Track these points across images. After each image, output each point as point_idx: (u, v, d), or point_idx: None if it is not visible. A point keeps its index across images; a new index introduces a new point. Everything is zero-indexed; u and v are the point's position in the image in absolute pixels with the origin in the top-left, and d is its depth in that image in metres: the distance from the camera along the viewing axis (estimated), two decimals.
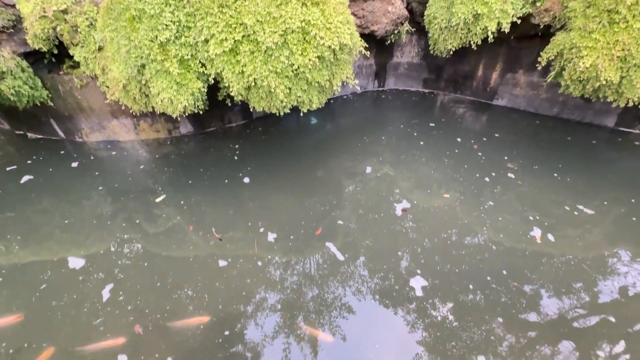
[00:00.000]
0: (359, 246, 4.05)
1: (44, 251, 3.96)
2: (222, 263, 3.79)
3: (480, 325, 3.22)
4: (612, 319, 3.26)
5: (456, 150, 5.83)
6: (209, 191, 4.92)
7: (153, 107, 4.89)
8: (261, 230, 4.24)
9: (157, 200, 4.74)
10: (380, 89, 8.31)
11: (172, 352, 3.01)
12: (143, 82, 4.52)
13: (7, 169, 5.34)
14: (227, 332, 3.17)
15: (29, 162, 5.47)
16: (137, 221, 4.39)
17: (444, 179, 5.15)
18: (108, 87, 5.15)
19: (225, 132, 6.37)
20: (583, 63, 5.01)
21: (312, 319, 3.29)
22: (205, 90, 4.52)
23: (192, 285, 3.58)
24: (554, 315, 3.32)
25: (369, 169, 5.41)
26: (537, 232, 4.19)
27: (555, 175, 5.17)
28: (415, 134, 6.34)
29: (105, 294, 3.44)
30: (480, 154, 5.72)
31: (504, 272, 3.72)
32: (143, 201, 4.72)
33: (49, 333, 3.13)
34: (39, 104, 5.28)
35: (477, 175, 5.21)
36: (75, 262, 3.81)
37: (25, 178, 5.12)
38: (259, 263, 3.81)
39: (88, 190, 4.90)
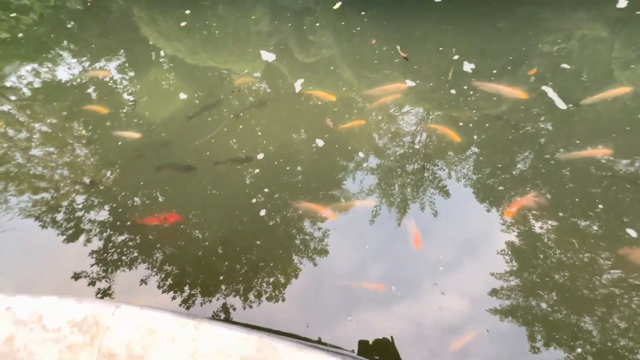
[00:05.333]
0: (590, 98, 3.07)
1: (218, 57, 4.02)
2: (410, 83, 3.38)
3: None
4: None
5: None
6: (391, 4, 4.16)
7: None
8: (455, 57, 3.51)
9: (334, 7, 4.25)
10: None
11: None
12: None
13: None
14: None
15: None
16: (317, 24, 4.09)
17: None
18: None
19: None
20: None
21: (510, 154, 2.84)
22: None
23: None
24: None
25: (623, 3, 3.70)
26: None
27: None
28: None
29: (297, 86, 3.51)
30: None
31: None
32: (319, 7, 4.30)
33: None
34: None
35: None
36: (268, 55, 3.87)
37: None
38: (453, 91, 3.28)
39: None
